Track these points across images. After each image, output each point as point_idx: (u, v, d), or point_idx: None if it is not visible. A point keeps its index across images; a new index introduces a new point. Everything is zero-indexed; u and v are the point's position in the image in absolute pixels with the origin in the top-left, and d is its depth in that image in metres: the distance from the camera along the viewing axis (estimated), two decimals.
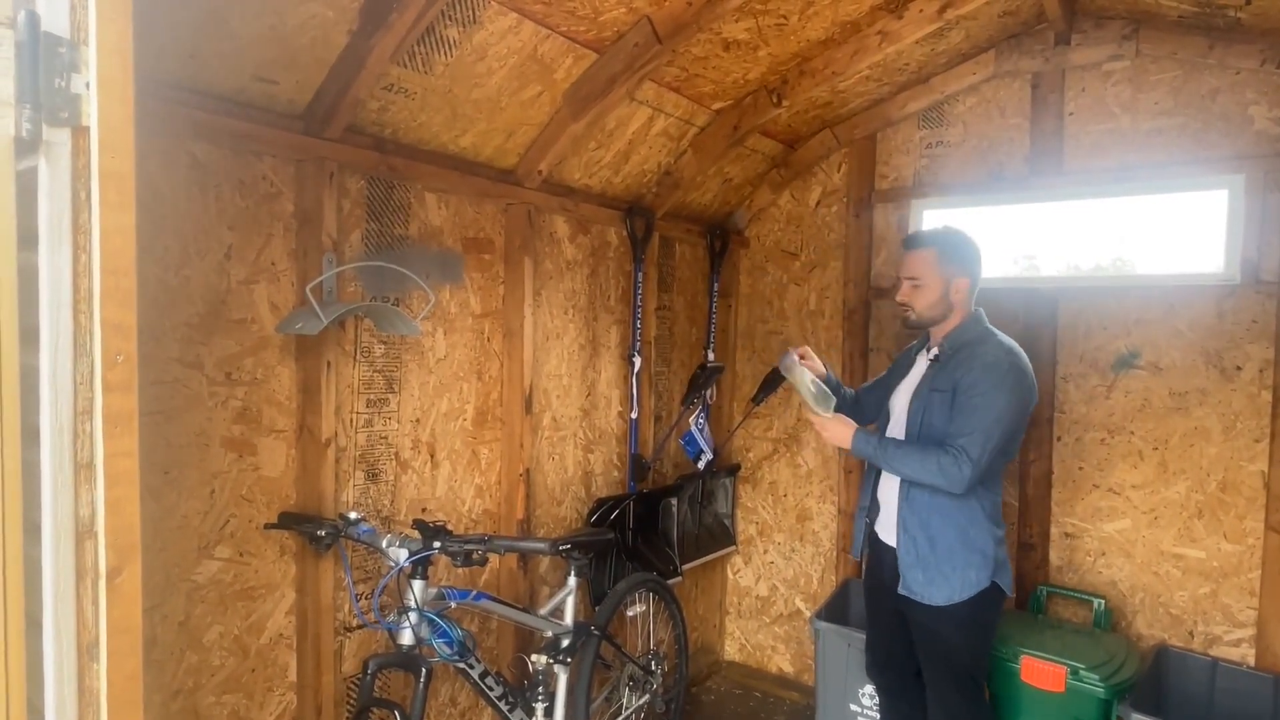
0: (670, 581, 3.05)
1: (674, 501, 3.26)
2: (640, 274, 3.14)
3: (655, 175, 3.08)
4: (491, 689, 2.15)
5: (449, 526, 1.99)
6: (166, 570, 1.78)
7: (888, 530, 2.38)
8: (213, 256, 1.82)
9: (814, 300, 3.61)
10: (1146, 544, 2.83)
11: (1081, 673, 2.41)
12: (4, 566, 0.74)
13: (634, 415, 3.14)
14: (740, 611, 3.91)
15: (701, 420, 3.44)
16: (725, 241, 3.63)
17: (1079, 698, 2.40)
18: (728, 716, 3.43)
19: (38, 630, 0.78)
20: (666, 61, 2.41)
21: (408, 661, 1.93)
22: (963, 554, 2.20)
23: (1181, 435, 2.76)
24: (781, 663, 3.79)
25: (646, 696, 2.80)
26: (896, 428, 2.37)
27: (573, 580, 2.41)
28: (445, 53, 2.02)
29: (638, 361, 3.13)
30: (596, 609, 2.67)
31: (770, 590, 3.80)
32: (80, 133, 0.77)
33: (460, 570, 2.36)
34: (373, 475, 2.23)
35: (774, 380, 2.71)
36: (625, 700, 2.75)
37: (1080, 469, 2.95)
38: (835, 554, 3.56)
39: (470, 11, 1.95)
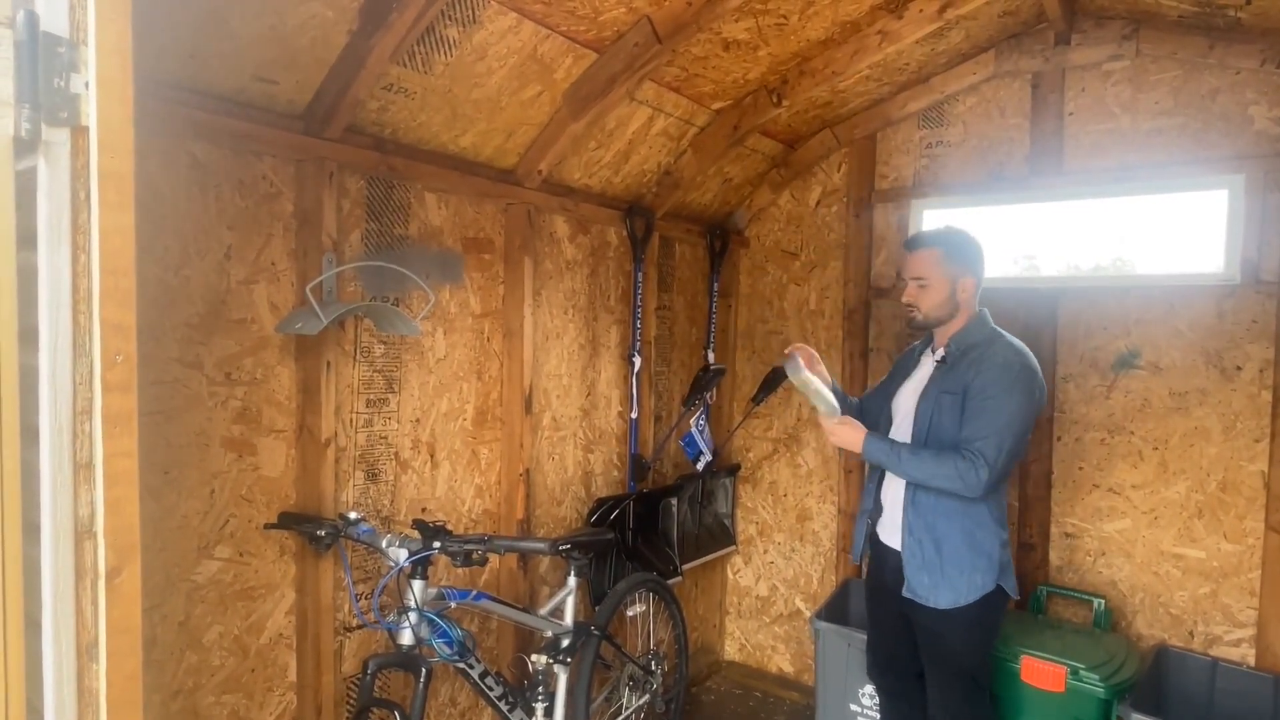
0: (670, 581, 3.05)
1: (674, 501, 3.25)
2: (640, 274, 3.14)
3: (655, 175, 3.07)
4: (491, 689, 2.15)
5: (449, 526, 1.99)
6: (166, 570, 1.78)
7: (890, 532, 2.35)
8: (213, 256, 1.82)
9: (814, 300, 3.61)
10: (1146, 544, 2.83)
11: (1081, 673, 2.41)
12: (3, 566, 0.74)
13: (634, 415, 3.14)
14: (740, 611, 3.91)
15: (702, 422, 3.44)
16: (725, 241, 3.63)
17: (1079, 698, 2.40)
18: (728, 716, 3.43)
19: (37, 630, 0.78)
20: (666, 61, 2.41)
21: (408, 661, 1.93)
22: (969, 558, 2.18)
23: (1181, 435, 2.76)
24: (781, 663, 3.79)
25: (646, 696, 2.80)
26: (901, 430, 2.33)
27: (573, 580, 2.41)
28: (445, 52, 2.02)
29: (638, 361, 3.13)
30: (596, 609, 2.67)
31: (770, 590, 3.80)
32: (79, 133, 0.77)
33: (460, 570, 2.35)
34: (372, 475, 2.23)
35: (774, 380, 2.71)
36: (625, 700, 2.75)
37: (1080, 469, 2.95)
38: (835, 554, 3.56)
39: (470, 11, 1.95)
